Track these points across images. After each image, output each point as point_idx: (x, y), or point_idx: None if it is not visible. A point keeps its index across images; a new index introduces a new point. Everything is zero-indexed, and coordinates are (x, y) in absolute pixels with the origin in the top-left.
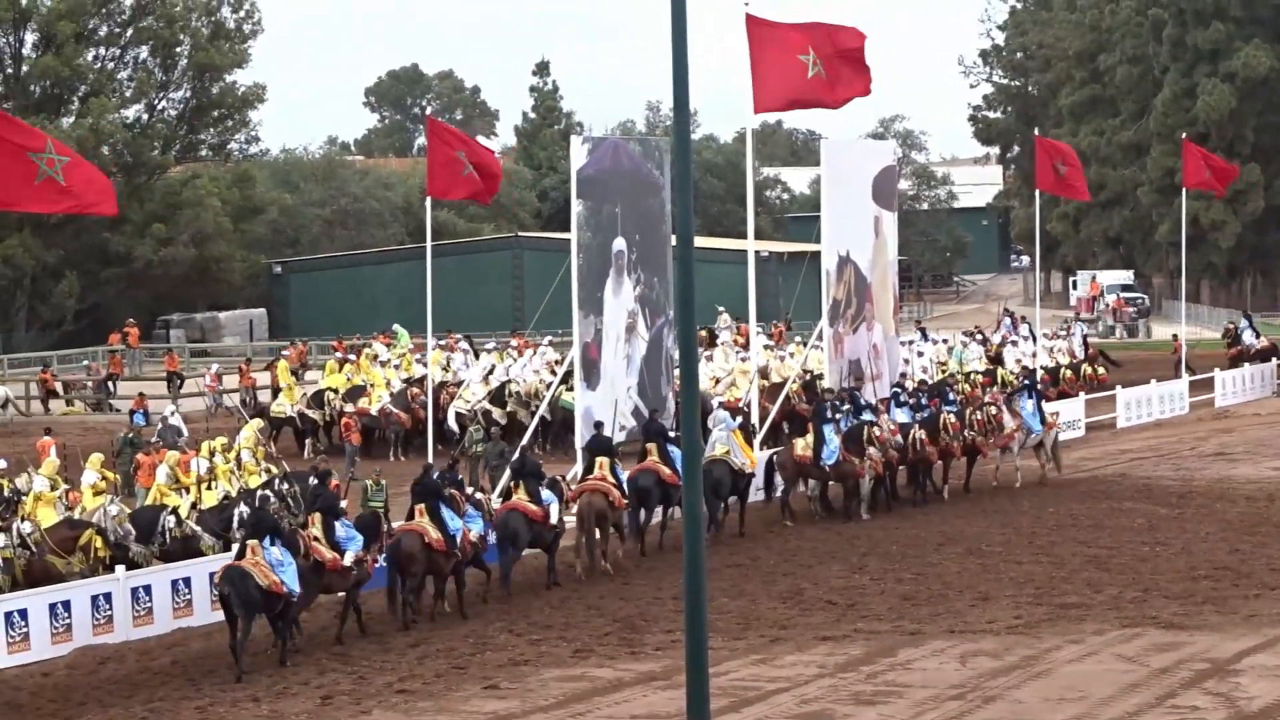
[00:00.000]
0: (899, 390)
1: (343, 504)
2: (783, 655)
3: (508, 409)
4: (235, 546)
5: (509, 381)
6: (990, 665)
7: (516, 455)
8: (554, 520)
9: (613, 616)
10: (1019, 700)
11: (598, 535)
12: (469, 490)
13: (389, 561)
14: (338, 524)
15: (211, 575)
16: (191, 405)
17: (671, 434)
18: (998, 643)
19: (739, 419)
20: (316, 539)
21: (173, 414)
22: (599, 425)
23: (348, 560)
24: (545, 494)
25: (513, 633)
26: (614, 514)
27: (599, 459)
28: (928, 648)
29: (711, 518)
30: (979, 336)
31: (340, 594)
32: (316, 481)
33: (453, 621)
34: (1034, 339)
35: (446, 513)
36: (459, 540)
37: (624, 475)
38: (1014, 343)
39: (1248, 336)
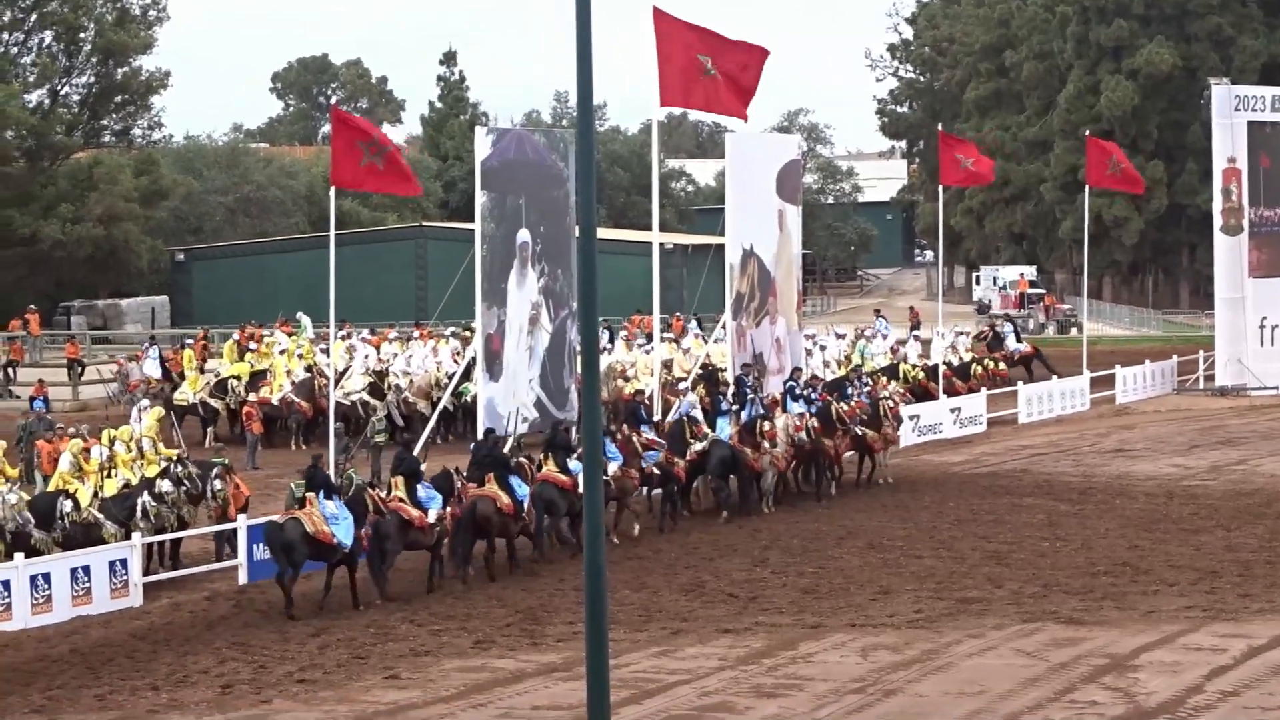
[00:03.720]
0: (793, 384)
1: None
2: (684, 647)
3: (387, 399)
4: (136, 534)
5: (384, 373)
6: (890, 659)
7: (550, 430)
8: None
9: (514, 607)
10: (919, 694)
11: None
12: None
13: (464, 523)
14: (419, 486)
15: (112, 563)
16: (92, 392)
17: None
18: (898, 636)
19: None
20: (402, 499)
21: (145, 408)
22: (556, 424)
23: (431, 518)
24: (574, 465)
25: (414, 623)
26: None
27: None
28: (828, 641)
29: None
30: (883, 331)
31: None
32: (401, 448)
33: (354, 611)
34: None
35: (514, 480)
36: (526, 506)
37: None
38: (917, 339)
39: (1011, 341)
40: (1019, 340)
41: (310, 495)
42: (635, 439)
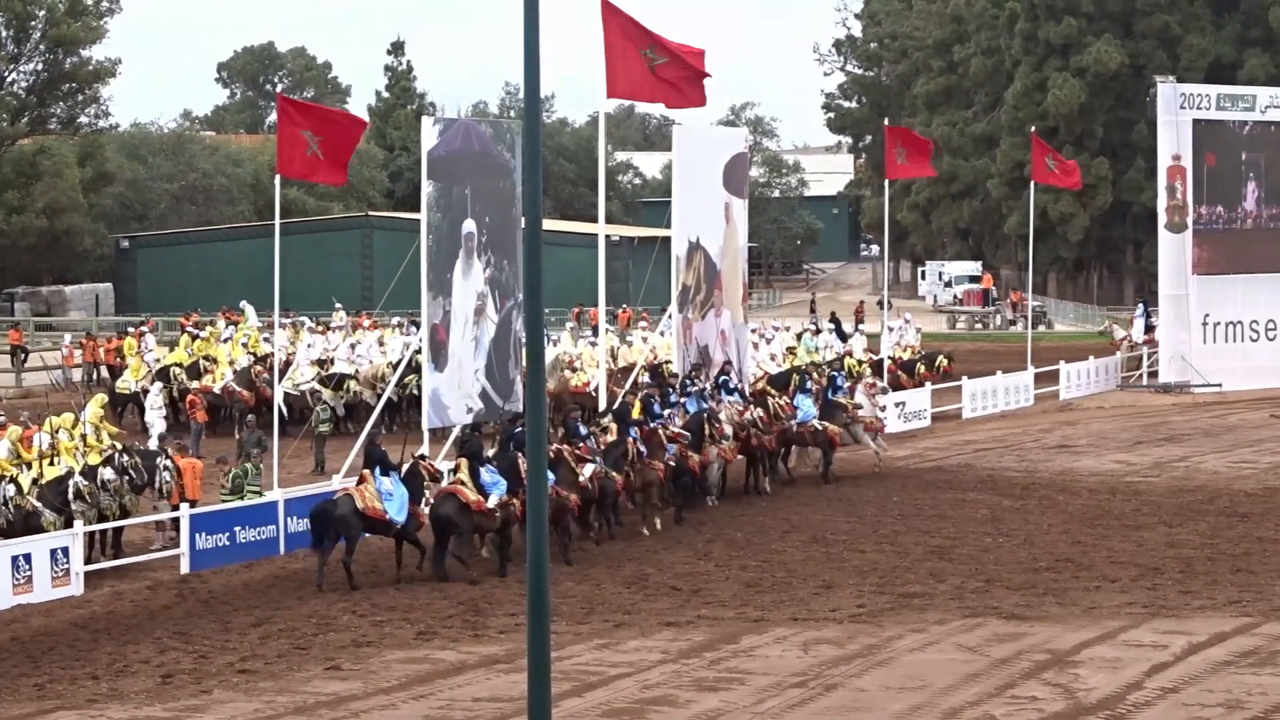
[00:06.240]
0: (726, 378)
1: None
2: (626, 640)
3: (347, 390)
4: (78, 522)
5: (328, 362)
6: (832, 653)
7: (466, 432)
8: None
9: (456, 599)
10: (861, 688)
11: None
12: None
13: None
14: (483, 469)
15: (53, 551)
16: (35, 379)
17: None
18: (840, 631)
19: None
20: (462, 483)
21: (159, 416)
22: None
23: (491, 503)
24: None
25: (356, 614)
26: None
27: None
28: (771, 635)
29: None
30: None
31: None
32: (468, 428)
33: (295, 601)
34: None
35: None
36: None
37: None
38: (862, 334)
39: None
40: (843, 340)
41: (366, 472)
42: (660, 432)
